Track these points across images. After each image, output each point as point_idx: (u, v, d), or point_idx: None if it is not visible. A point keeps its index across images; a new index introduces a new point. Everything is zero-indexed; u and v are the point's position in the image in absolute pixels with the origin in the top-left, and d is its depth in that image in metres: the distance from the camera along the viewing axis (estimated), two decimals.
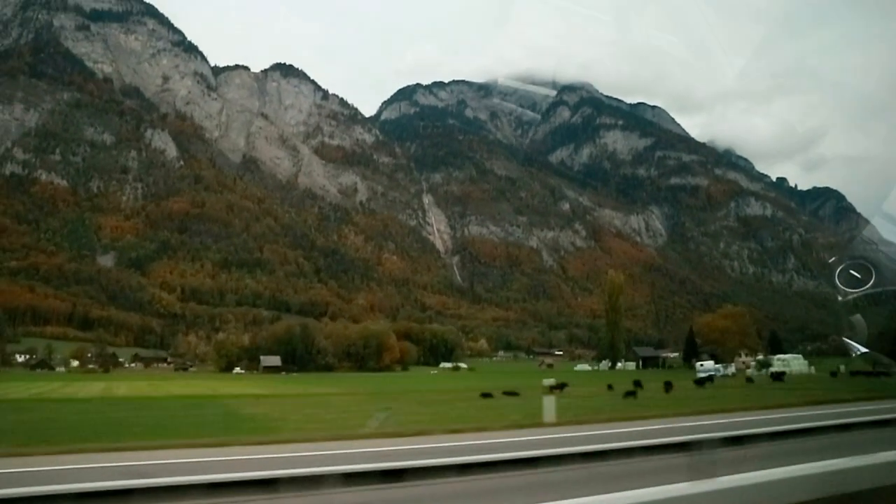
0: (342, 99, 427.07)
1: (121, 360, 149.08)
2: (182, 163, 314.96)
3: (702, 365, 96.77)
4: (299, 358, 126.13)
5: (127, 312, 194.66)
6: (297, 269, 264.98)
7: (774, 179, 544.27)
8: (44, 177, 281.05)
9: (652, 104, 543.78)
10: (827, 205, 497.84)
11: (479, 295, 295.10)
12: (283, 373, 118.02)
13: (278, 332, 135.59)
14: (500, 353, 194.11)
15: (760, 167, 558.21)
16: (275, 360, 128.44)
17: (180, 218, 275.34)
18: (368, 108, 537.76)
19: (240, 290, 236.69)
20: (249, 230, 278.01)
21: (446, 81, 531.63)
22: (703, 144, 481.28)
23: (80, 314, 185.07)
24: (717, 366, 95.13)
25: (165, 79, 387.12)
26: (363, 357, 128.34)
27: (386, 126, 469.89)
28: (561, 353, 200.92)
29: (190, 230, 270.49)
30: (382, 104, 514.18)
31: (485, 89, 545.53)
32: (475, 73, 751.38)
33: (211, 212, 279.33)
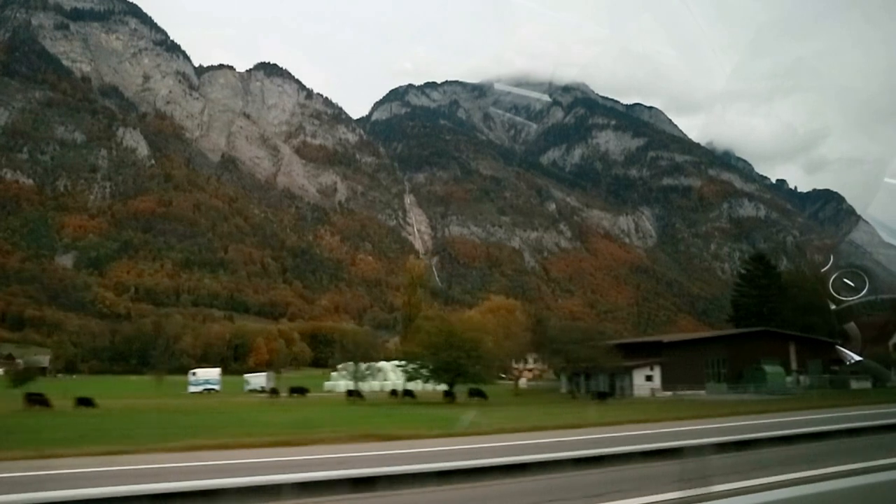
0: (327, 98, 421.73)
1: (17, 360, 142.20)
2: (153, 161, 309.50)
3: (194, 374, 78.86)
4: (148, 357, 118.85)
5: (65, 313, 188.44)
6: (262, 269, 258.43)
7: (774, 181, 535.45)
8: (9, 175, 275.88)
9: (649, 105, 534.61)
10: (827, 207, 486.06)
11: (452, 296, 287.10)
12: (60, 375, 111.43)
13: (127, 331, 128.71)
14: None
15: (761, 169, 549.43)
16: (41, 361, 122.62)
17: (146, 217, 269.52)
18: (361, 109, 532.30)
19: (197, 291, 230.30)
20: (216, 229, 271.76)
21: (439, 82, 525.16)
22: (698, 145, 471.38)
23: (14, 314, 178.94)
24: (215, 376, 78.86)
25: (146, 78, 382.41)
26: (225, 358, 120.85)
27: (376, 127, 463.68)
28: None
29: (154, 229, 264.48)
30: (374, 105, 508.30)
31: (479, 90, 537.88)
32: (470, 73, 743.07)
33: (177, 211, 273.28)
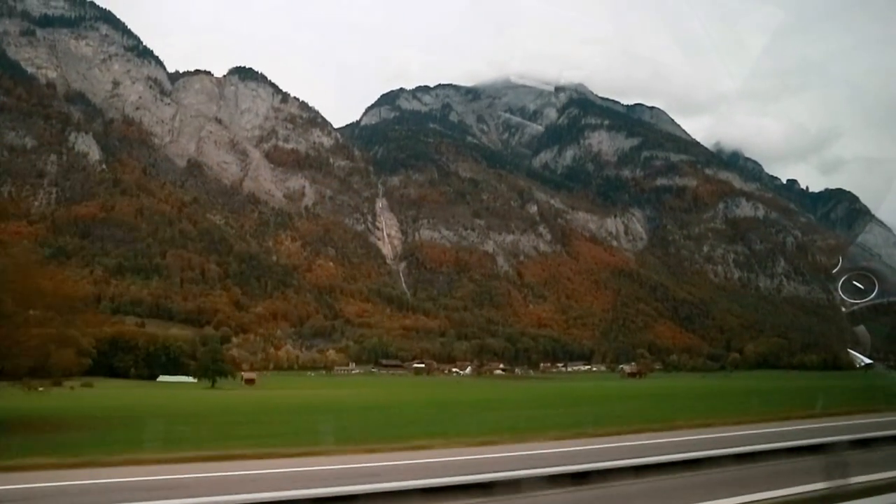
0: (303, 102, 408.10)
1: None
2: (104, 167, 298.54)
3: None
4: None
5: None
6: (200, 276, 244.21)
7: (785, 181, 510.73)
8: None
9: (650, 105, 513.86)
10: (839, 207, 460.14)
11: (406, 302, 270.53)
12: None
13: None
14: (351, 365, 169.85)
15: (772, 170, 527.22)
16: None
17: (86, 223, 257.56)
18: (354, 115, 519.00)
19: (120, 298, 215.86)
20: (157, 235, 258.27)
21: (432, 86, 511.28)
22: (695, 143, 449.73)
23: None
24: None
25: (116, 84, 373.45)
26: None
27: (364, 132, 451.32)
28: (423, 364, 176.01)
29: (92, 235, 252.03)
30: (366, 110, 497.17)
31: (473, 93, 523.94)
32: (465, 77, 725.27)
33: (118, 216, 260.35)
